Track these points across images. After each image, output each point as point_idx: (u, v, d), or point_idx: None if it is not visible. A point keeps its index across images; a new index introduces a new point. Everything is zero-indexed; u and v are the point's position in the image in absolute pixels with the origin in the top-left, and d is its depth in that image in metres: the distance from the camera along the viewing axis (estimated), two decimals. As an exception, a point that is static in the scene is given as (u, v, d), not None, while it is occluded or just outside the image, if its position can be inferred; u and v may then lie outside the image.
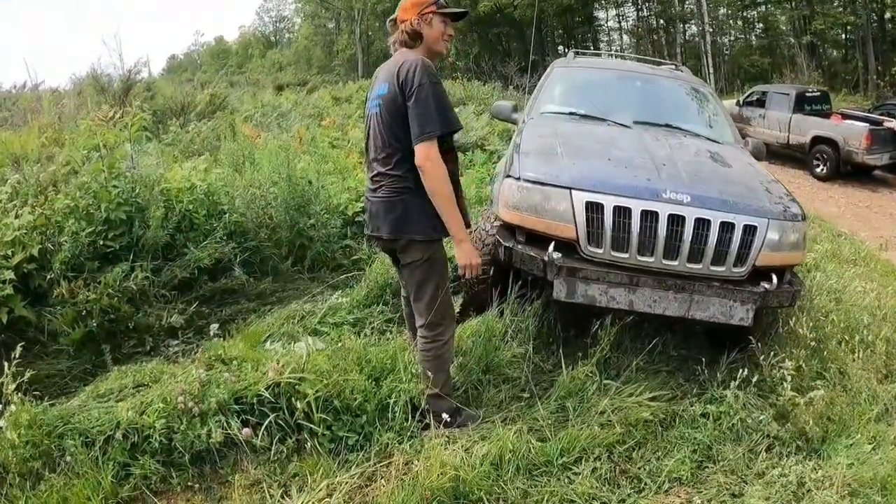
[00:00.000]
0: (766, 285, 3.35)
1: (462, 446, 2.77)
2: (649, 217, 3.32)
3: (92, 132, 4.92)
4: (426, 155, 2.57)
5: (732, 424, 3.20)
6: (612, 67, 5.83)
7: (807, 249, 3.71)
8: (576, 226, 3.37)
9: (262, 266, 4.86)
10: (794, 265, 3.63)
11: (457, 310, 3.62)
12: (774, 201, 3.55)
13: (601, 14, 37.15)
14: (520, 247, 3.49)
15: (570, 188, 3.40)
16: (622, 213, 3.33)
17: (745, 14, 31.00)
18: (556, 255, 3.31)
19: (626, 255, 3.34)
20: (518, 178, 3.57)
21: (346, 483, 2.61)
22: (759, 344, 3.64)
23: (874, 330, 4.31)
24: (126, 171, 4.41)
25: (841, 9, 25.09)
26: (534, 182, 3.50)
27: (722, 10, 31.02)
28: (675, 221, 3.31)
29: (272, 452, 2.75)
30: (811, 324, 3.92)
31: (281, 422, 2.82)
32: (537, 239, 3.50)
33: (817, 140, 12.86)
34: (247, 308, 4.32)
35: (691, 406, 3.36)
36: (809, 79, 22.94)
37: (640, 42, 34.25)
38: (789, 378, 3.31)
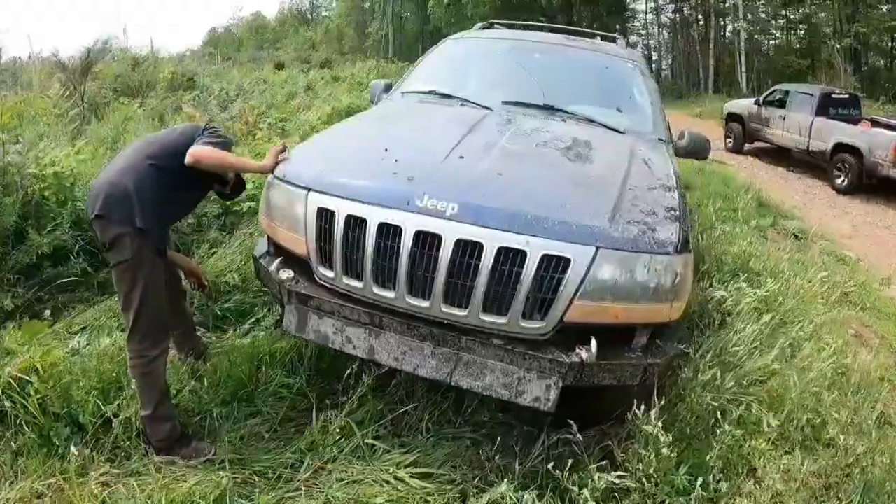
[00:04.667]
0: (583, 353, 2.25)
1: (164, 476, 2.43)
2: (390, 233, 2.37)
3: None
4: None
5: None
6: (516, 38, 4.72)
7: (684, 298, 2.46)
8: (306, 239, 2.60)
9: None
10: (652, 323, 2.46)
11: None
12: (628, 219, 2.42)
13: (640, 6, 35.70)
14: (263, 261, 2.87)
15: (308, 188, 2.61)
16: (357, 224, 2.44)
17: (786, 13, 28.98)
18: (287, 274, 2.68)
19: (359, 285, 2.47)
20: (274, 175, 2.84)
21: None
22: (633, 415, 2.50)
23: (823, 414, 3.05)
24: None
25: (886, 11, 23.12)
26: (281, 180, 2.77)
27: (762, 8, 29.09)
28: (429, 242, 2.31)
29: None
30: (720, 400, 2.73)
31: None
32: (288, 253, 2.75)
33: (839, 148, 11.29)
34: (82, 297, 4.11)
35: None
36: (846, 84, 20.92)
37: (676, 36, 32.66)
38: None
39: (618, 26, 34.37)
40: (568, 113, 3.53)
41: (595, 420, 2.76)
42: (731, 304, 3.85)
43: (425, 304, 2.37)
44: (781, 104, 13.02)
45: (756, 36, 28.98)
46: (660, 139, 3.55)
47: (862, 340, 4.89)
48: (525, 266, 2.24)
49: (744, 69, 25.32)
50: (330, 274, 2.55)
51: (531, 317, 2.30)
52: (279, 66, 23.64)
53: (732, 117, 14.78)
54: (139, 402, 2.60)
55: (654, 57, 37.49)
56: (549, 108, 3.55)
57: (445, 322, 2.38)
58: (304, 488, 2.46)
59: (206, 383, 2.95)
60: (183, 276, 3.27)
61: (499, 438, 2.62)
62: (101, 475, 2.42)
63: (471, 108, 3.55)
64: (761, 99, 13.77)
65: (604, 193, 2.54)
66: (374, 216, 2.39)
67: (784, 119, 12.74)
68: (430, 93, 3.90)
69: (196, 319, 3.54)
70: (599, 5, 32.51)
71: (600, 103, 3.79)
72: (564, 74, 4.01)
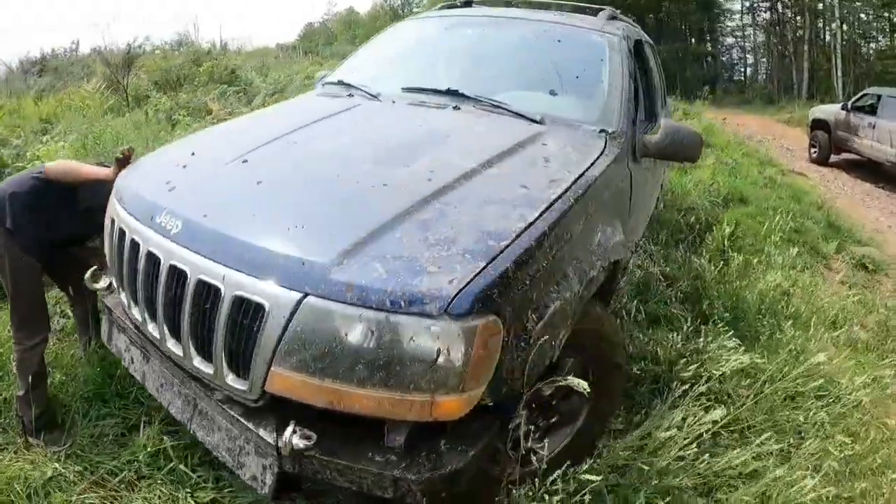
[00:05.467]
0: (287, 437, 1.62)
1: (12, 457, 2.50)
2: (135, 249, 2.10)
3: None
4: None
5: None
6: (462, 15, 3.92)
7: (471, 387, 1.55)
8: (107, 248, 2.45)
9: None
10: (404, 421, 1.63)
11: None
12: (384, 252, 1.66)
13: (735, 6, 33.49)
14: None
15: (119, 196, 2.37)
16: (122, 236, 2.19)
17: (889, 15, 26.19)
18: (104, 283, 2.53)
19: (125, 301, 2.28)
20: None
21: None
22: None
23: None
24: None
25: None
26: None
27: (861, 10, 26.43)
28: (156, 265, 1.99)
29: None
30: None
31: None
32: None
33: (936, 162, 9.71)
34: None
35: None
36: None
37: (770, 38, 30.37)
38: None
39: (705, 26, 32.43)
40: (473, 99, 2.78)
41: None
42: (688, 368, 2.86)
43: (157, 334, 2.02)
44: (872, 110, 11.34)
45: (857, 40, 26.43)
46: (601, 131, 2.64)
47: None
48: (220, 307, 1.72)
49: (840, 73, 23.02)
50: (115, 286, 2.39)
51: (237, 371, 1.75)
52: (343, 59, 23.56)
53: (818, 124, 12.97)
54: (18, 382, 2.76)
55: (750, 60, 35.18)
56: (453, 94, 2.83)
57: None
58: (110, 500, 2.35)
59: (69, 377, 3.01)
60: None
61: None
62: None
63: (360, 97, 3.06)
64: (850, 104, 12.09)
65: (374, 210, 1.83)
66: (129, 230, 2.13)
67: (874, 127, 11.11)
68: (338, 83, 3.36)
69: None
70: (689, 3, 30.67)
71: (531, 86, 3.01)
72: (500, 52, 3.23)
